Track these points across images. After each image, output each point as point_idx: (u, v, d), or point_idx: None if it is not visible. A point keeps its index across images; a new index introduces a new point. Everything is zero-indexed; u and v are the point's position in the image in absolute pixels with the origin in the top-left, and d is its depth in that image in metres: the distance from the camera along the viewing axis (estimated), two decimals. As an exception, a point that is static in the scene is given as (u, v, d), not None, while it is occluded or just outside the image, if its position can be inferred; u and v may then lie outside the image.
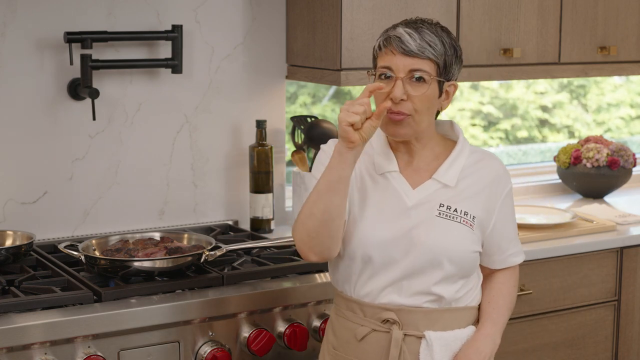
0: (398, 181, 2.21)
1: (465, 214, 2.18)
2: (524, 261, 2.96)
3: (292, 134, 3.26)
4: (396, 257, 2.16)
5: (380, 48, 2.15)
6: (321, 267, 2.63)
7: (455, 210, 2.18)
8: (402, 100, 2.10)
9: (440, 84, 2.15)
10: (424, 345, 2.17)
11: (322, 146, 2.29)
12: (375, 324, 2.19)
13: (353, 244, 2.18)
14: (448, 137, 2.29)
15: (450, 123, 2.31)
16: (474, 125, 6.33)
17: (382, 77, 2.13)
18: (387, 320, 2.17)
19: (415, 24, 2.14)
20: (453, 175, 2.21)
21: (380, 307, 2.18)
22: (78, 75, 2.87)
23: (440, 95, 2.16)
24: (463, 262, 2.18)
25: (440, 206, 2.18)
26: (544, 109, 6.40)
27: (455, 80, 2.20)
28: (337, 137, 2.15)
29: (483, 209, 2.21)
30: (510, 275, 2.33)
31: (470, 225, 2.18)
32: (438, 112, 2.26)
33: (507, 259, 2.31)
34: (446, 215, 2.17)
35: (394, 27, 2.15)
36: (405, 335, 2.17)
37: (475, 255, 2.22)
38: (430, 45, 2.10)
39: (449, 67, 2.15)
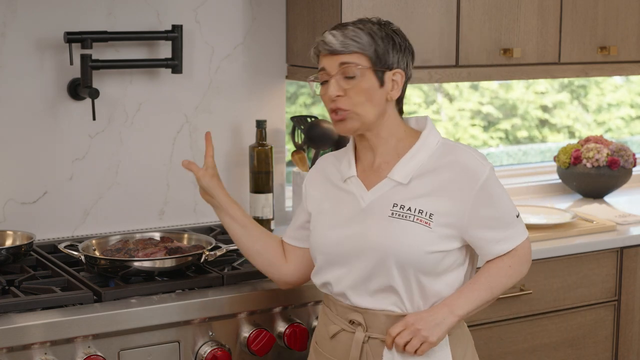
0: (355, 185, 2.23)
1: (420, 212, 2.15)
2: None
3: (292, 134, 3.26)
4: (350, 259, 2.19)
5: (316, 57, 2.23)
6: (321, 267, 2.64)
7: (409, 209, 2.16)
8: (339, 96, 2.16)
9: (379, 74, 2.16)
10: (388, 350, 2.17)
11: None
12: (344, 324, 2.22)
13: (314, 250, 2.27)
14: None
15: (425, 119, 2.29)
16: (473, 125, 6.33)
17: (323, 83, 2.20)
18: (353, 321, 2.20)
19: (342, 25, 2.20)
20: (407, 172, 2.19)
21: (349, 307, 2.21)
22: (78, 75, 2.87)
23: (382, 85, 2.17)
24: (417, 262, 2.13)
25: (393, 206, 2.17)
26: (544, 109, 6.40)
27: (404, 69, 2.20)
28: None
29: (450, 205, 2.16)
30: (506, 257, 2.23)
31: (426, 223, 2.14)
32: (401, 106, 2.26)
33: (493, 248, 2.22)
34: (399, 215, 2.16)
35: (323, 33, 2.22)
36: (369, 337, 2.18)
37: (435, 256, 2.14)
38: (353, 40, 2.15)
39: (385, 56, 2.16)
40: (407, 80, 2.23)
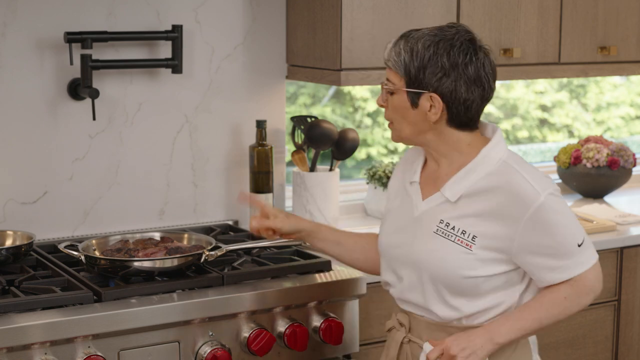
0: (414, 191, 2.23)
1: (463, 233, 2.09)
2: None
3: (292, 134, 3.26)
4: (397, 267, 2.22)
5: None
6: (321, 267, 2.63)
7: (453, 228, 2.11)
8: (384, 106, 2.19)
9: (411, 95, 2.10)
10: (422, 355, 2.15)
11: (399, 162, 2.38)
12: (395, 321, 2.26)
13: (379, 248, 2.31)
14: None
15: (492, 128, 2.19)
16: (474, 124, 6.34)
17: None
18: (401, 322, 2.24)
19: (408, 33, 2.13)
20: (457, 190, 2.12)
21: (399, 308, 2.26)
22: (78, 75, 2.87)
23: (415, 107, 2.10)
24: (452, 285, 2.10)
25: (440, 222, 2.14)
26: (544, 108, 6.40)
27: (447, 93, 2.07)
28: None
29: (498, 229, 2.08)
30: (563, 286, 2.11)
31: (468, 245, 2.09)
32: (467, 120, 2.12)
33: (546, 275, 2.10)
34: (443, 233, 2.12)
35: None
36: (410, 340, 2.21)
37: (472, 281, 2.09)
38: (394, 56, 2.11)
39: (417, 77, 2.08)
40: (467, 101, 2.08)
